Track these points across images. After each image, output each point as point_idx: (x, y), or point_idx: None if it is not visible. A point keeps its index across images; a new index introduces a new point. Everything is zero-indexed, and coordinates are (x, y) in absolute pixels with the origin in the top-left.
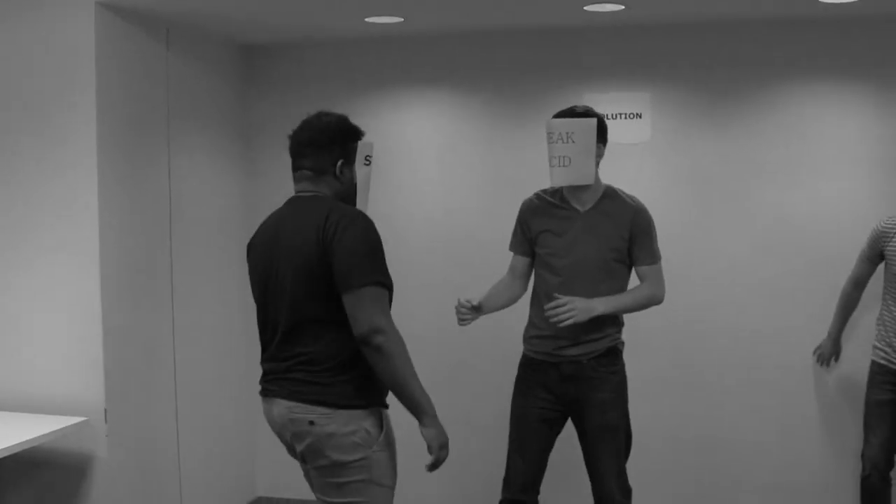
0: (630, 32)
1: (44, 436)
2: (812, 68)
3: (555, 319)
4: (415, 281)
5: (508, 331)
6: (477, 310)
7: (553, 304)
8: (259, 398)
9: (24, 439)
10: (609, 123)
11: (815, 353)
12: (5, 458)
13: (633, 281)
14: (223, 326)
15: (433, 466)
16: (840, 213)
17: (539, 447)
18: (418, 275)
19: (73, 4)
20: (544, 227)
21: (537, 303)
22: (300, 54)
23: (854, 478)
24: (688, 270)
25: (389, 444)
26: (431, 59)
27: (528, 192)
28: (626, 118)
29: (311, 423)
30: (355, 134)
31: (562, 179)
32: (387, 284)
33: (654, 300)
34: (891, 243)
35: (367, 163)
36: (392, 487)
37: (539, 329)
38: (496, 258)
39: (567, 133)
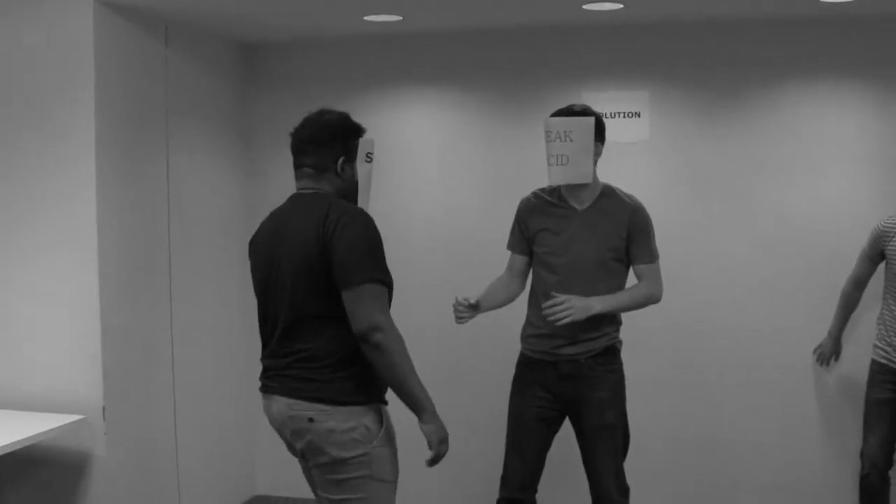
0: (629, 31)
1: (42, 434)
2: (811, 67)
3: (552, 318)
4: (414, 280)
5: (507, 330)
6: (474, 308)
7: (550, 302)
8: (258, 396)
9: (22, 437)
10: (607, 122)
11: (815, 352)
12: (3, 455)
13: (632, 280)
14: (222, 324)
15: (433, 461)
16: (840, 212)
17: (537, 446)
18: (417, 273)
19: (73, 1)
20: (542, 225)
21: (535, 302)
22: (299, 52)
23: (854, 477)
24: (687, 270)
25: (390, 440)
26: (430, 58)
27: (527, 190)
28: (624, 117)
29: (311, 419)
30: (356, 131)
31: (560, 178)
32: (386, 282)
33: (652, 299)
34: (891, 242)
35: (369, 160)
36: (394, 483)
37: (537, 328)
38: (495, 257)
39: (565, 132)
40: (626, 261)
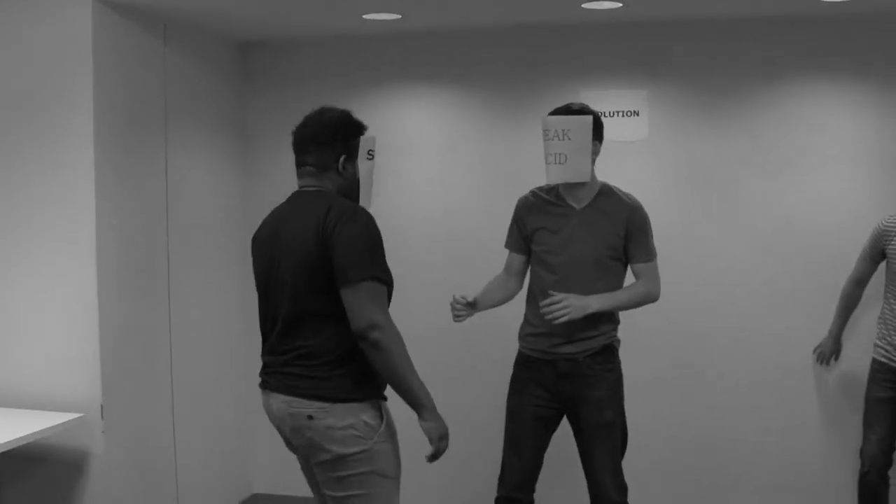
0: (628, 30)
1: (40, 432)
2: (811, 66)
3: (550, 316)
4: (413, 280)
5: (506, 329)
6: (472, 306)
7: (548, 301)
8: (256, 394)
9: (20, 435)
10: (606, 121)
11: (815, 351)
12: (2, 454)
13: (629, 278)
14: (220, 322)
15: (433, 457)
16: (840, 211)
17: (534, 445)
18: (416, 273)
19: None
20: (540, 224)
21: (533, 300)
22: (298, 51)
23: (854, 477)
24: (687, 269)
25: (391, 436)
26: (429, 57)
27: (527, 189)
28: (623, 116)
29: (310, 417)
30: (357, 129)
31: (557, 177)
32: (385, 280)
33: (650, 298)
34: (892, 242)
35: (370, 157)
36: (397, 478)
37: (535, 327)
38: (495, 256)
39: (563, 130)
40: (624, 259)
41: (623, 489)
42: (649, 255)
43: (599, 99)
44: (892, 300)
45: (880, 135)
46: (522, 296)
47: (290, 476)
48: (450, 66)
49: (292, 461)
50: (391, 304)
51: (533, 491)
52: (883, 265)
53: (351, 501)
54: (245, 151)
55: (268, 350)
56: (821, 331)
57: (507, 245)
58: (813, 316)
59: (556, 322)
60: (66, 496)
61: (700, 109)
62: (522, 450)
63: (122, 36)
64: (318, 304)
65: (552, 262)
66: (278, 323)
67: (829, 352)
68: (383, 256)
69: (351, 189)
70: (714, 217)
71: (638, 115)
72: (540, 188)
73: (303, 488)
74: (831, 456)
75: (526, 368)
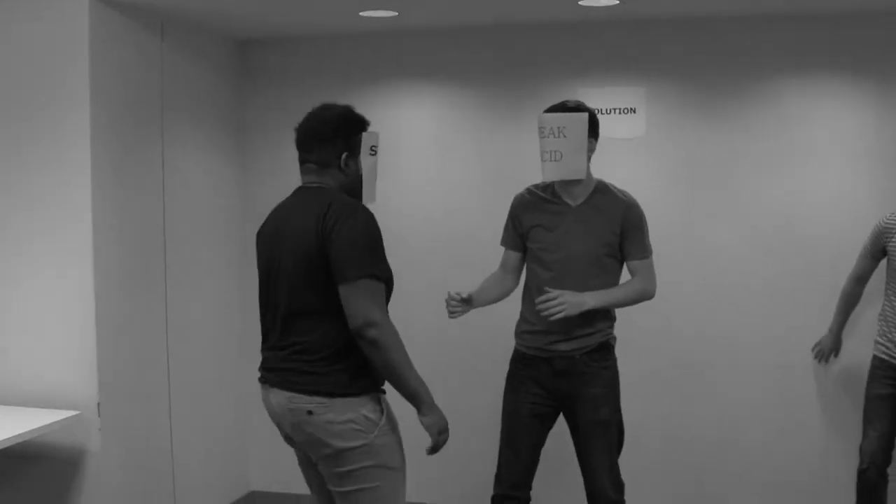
0: (625, 27)
1: (37, 430)
2: (809, 63)
3: (546, 313)
4: (410, 278)
5: (502, 327)
6: (467, 302)
7: (543, 297)
8: (254, 392)
9: (16, 433)
10: (603, 118)
11: (814, 349)
12: None
13: (626, 276)
14: (217, 320)
15: (433, 450)
16: (839, 210)
17: (531, 442)
18: (414, 271)
19: None
20: (536, 221)
21: (529, 298)
22: (295, 48)
23: (854, 477)
24: (685, 268)
25: (393, 428)
26: (426, 54)
27: (523, 186)
28: (620, 113)
29: (310, 412)
30: (360, 125)
31: (553, 174)
32: (383, 278)
33: (646, 295)
34: (893, 239)
35: (373, 153)
36: (402, 469)
37: (531, 324)
38: (493, 255)
39: (558, 128)
40: (620, 257)
41: (620, 487)
42: (645, 252)
43: (597, 96)
44: (892, 297)
45: (880, 133)
46: (519, 293)
47: (287, 473)
48: (447, 64)
49: (290, 459)
50: (391, 302)
51: (529, 488)
52: (883, 262)
53: (358, 495)
54: (243, 149)
55: (267, 345)
56: (821, 329)
57: (503, 242)
58: (813, 315)
59: (552, 319)
60: (62, 494)
61: (698, 107)
62: (519, 447)
63: (120, 33)
64: (317, 300)
65: (548, 259)
66: (278, 318)
67: (829, 349)
68: (383, 254)
69: (353, 185)
70: (712, 215)
71: (635, 112)
72: (536, 185)
73: (300, 486)
74: (831, 455)
75: (522, 366)
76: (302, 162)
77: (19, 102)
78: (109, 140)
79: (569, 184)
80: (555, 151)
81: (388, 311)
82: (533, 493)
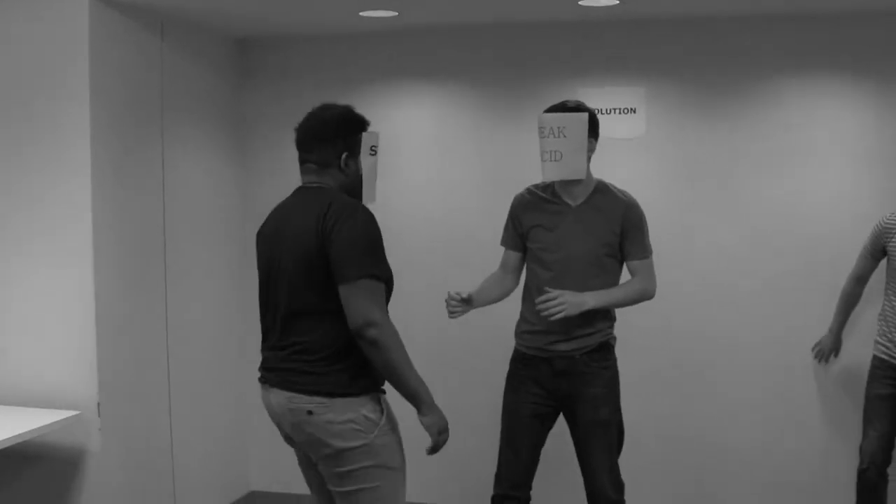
0: (625, 27)
1: (36, 430)
2: (809, 63)
3: (545, 313)
4: (411, 279)
5: (503, 327)
6: (467, 302)
7: (543, 297)
8: (253, 391)
9: (16, 433)
10: (603, 118)
11: (814, 348)
12: None
13: (626, 276)
14: (217, 320)
15: (433, 450)
16: (840, 210)
17: (531, 442)
18: (414, 271)
19: None
20: (536, 221)
21: (529, 298)
22: (294, 48)
23: (854, 477)
24: (685, 268)
25: (393, 428)
26: (426, 54)
27: (523, 186)
28: (620, 113)
29: (310, 412)
30: (359, 125)
31: (553, 174)
32: (383, 278)
33: (646, 295)
34: (893, 239)
35: (373, 153)
36: (402, 469)
37: (531, 324)
38: (493, 255)
39: (558, 128)
40: (620, 257)
41: (620, 487)
42: (645, 252)
43: (597, 96)
44: (892, 297)
45: (880, 133)
46: (518, 293)
47: (287, 473)
48: (447, 64)
49: (290, 459)
50: (391, 302)
51: (529, 488)
52: (884, 262)
53: (358, 496)
54: (242, 148)
55: (267, 345)
56: (821, 329)
57: (503, 242)
58: (813, 315)
59: (552, 318)
60: (62, 494)
61: (698, 107)
62: (519, 447)
63: (120, 33)
64: (317, 300)
65: (548, 259)
66: (278, 318)
67: (829, 349)
68: (383, 254)
69: (354, 185)
70: (712, 215)
71: (635, 112)
72: (536, 185)
73: (300, 486)
74: (831, 455)
75: (522, 366)
76: (302, 162)
77: (19, 102)
78: (109, 140)
79: (569, 184)
80: (555, 151)
81: (388, 311)
82: (533, 493)
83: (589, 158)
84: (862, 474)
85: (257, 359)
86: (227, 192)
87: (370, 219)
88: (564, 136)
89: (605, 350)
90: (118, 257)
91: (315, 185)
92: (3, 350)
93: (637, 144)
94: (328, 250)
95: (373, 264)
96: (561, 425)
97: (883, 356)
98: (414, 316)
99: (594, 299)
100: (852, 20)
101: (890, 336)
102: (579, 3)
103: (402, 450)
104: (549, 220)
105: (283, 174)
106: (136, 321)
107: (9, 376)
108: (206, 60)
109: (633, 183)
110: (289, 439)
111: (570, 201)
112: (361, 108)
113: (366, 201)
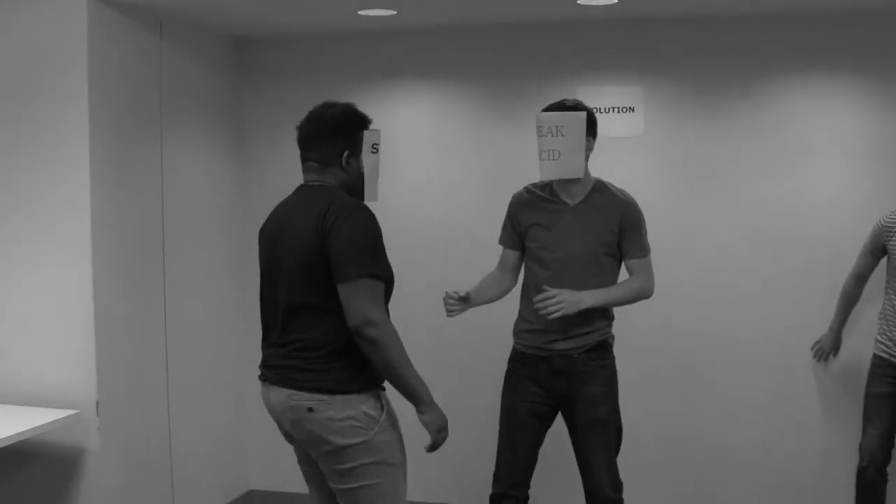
0: (623, 26)
1: (35, 428)
2: (809, 62)
3: (543, 312)
4: (411, 279)
5: (504, 327)
6: (465, 301)
7: (542, 296)
8: (252, 390)
9: (14, 432)
10: (602, 117)
11: (813, 347)
12: None
13: (624, 275)
14: (216, 319)
15: (432, 448)
16: (839, 210)
17: (529, 441)
18: (414, 271)
19: None
20: (534, 220)
21: (527, 297)
22: (293, 47)
23: (854, 476)
24: (685, 268)
25: (393, 425)
26: (424, 53)
27: (522, 185)
28: (619, 112)
29: (310, 409)
30: (361, 123)
31: (551, 173)
32: (382, 277)
33: (644, 294)
34: (893, 238)
35: (375, 151)
36: (403, 466)
37: (529, 323)
38: (493, 255)
39: (556, 126)
40: (618, 255)
41: (618, 485)
42: (643, 251)
43: (595, 95)
44: (892, 296)
45: (880, 133)
46: (517, 292)
47: (286, 472)
48: (446, 63)
49: (289, 457)
50: (391, 301)
51: (528, 487)
52: (884, 261)
53: (359, 492)
54: (241, 147)
55: (268, 342)
56: (821, 329)
57: (501, 241)
58: (813, 314)
59: (550, 317)
60: (61, 493)
61: (697, 106)
62: (517, 446)
63: (119, 31)
64: (317, 298)
65: (546, 258)
66: (278, 315)
67: (829, 348)
68: (383, 253)
69: (355, 184)
70: (712, 215)
71: (634, 111)
72: (534, 184)
73: (299, 484)
74: (831, 454)
75: (520, 365)
76: (304, 160)
77: (18, 101)
78: (108, 139)
79: (567, 182)
80: (553, 150)
81: (387, 311)
82: (531, 491)
83: (587, 157)
84: (862, 473)
85: (256, 358)
86: (227, 191)
87: (370, 218)
88: (562, 135)
89: (604, 349)
90: (117, 256)
91: (317, 183)
92: (2, 349)
93: (636, 143)
94: (328, 249)
95: (372, 264)
96: (559, 424)
97: (883, 355)
98: (414, 316)
99: (592, 298)
100: (852, 20)
101: (890, 335)
102: (578, 2)
103: (402, 446)
104: (547, 219)
105: (282, 173)
106: (135, 320)
107: (7, 375)
108: (206, 60)
109: (632, 182)
110: (289, 437)
111: (568, 200)
112: (361, 108)
113: (367, 200)
